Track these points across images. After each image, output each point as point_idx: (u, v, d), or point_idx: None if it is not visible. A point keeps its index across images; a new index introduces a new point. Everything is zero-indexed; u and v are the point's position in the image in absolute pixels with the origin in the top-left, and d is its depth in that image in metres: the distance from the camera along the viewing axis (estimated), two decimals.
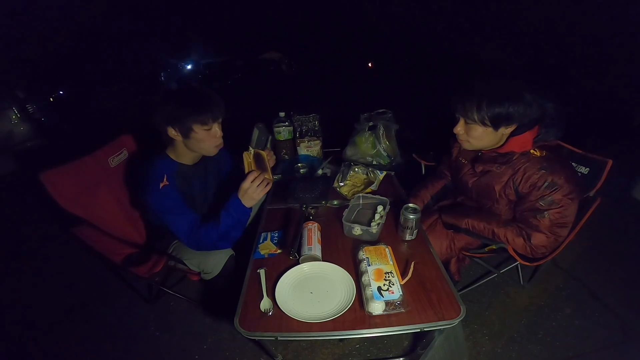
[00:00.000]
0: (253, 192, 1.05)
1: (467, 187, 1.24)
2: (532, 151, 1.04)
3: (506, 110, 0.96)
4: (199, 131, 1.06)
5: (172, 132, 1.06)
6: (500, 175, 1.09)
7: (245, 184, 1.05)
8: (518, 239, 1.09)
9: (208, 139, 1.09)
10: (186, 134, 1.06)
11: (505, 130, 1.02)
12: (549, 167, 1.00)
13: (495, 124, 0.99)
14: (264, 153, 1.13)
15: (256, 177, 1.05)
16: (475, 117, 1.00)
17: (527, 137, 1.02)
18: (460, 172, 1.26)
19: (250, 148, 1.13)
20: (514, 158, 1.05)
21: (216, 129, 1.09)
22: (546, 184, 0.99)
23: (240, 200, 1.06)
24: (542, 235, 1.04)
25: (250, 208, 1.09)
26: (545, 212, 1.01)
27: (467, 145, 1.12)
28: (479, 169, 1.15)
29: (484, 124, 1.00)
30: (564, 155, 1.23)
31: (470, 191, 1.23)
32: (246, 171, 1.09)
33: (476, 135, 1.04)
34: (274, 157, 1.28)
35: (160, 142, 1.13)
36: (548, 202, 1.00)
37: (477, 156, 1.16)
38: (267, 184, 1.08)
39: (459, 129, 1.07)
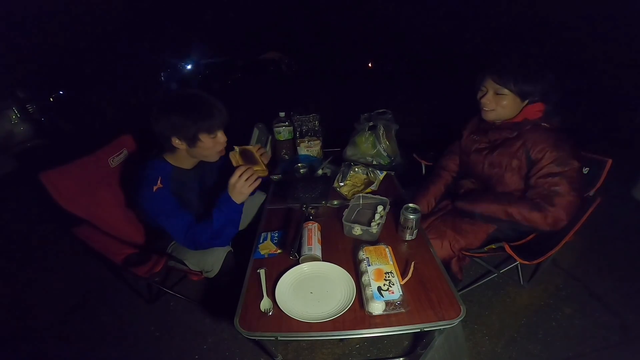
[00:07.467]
0: (242, 186, 1.04)
1: (477, 163, 1.28)
2: (542, 124, 1.13)
3: (541, 85, 1.09)
4: (205, 140, 1.06)
5: (176, 141, 1.05)
6: (512, 144, 1.16)
7: (233, 179, 1.04)
8: (533, 213, 1.09)
9: (213, 146, 1.09)
10: (192, 143, 1.05)
11: (526, 103, 1.13)
12: (557, 136, 1.10)
13: (524, 95, 1.11)
14: (251, 148, 1.12)
15: (243, 172, 1.04)
16: (512, 88, 1.11)
17: (540, 106, 1.13)
18: (471, 149, 1.32)
19: (235, 147, 1.12)
20: (527, 128, 1.14)
21: (221, 136, 1.10)
22: (556, 147, 1.07)
23: (230, 196, 1.05)
24: (563, 199, 1.05)
25: (242, 204, 1.09)
26: (561, 175, 1.06)
27: (491, 115, 1.20)
28: (493, 138, 1.24)
29: (517, 94, 1.11)
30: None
31: (481, 165, 1.27)
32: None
33: (504, 104, 1.14)
34: (269, 153, 1.26)
35: (158, 146, 1.13)
36: (562, 164, 1.06)
37: (492, 127, 1.24)
38: (257, 178, 1.06)
39: (489, 97, 1.16)
